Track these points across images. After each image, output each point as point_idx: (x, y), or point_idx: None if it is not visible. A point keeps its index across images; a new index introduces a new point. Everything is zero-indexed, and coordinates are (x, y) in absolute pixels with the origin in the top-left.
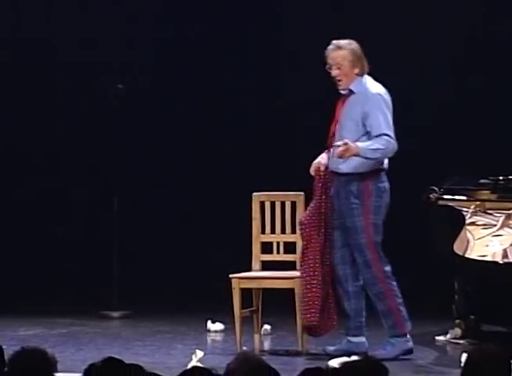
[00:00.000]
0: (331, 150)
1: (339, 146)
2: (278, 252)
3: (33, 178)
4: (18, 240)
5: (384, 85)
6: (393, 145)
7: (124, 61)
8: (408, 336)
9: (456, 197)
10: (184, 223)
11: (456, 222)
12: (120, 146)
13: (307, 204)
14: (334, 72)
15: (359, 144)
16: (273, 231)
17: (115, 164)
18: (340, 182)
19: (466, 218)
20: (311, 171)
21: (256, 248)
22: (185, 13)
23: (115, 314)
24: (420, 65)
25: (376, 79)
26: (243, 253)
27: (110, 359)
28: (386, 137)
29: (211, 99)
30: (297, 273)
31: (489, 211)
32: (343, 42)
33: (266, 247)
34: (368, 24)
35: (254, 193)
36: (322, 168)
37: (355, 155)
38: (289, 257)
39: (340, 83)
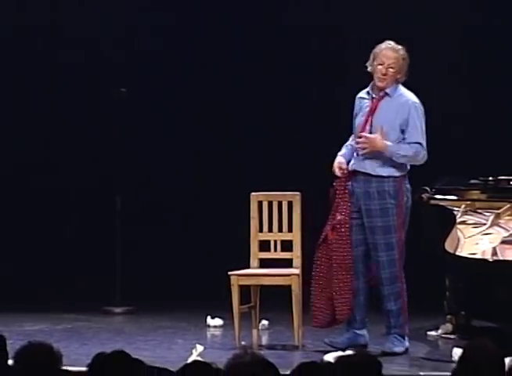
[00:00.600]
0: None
1: (360, 142)
2: (275, 250)
3: (37, 178)
4: (25, 240)
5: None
6: (423, 155)
7: (126, 64)
8: (407, 337)
9: (447, 197)
10: (185, 222)
11: (447, 221)
12: (123, 146)
13: (303, 204)
14: (385, 70)
15: (389, 144)
16: (271, 230)
17: (117, 164)
18: (372, 183)
19: (457, 217)
20: (337, 171)
21: (254, 246)
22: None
23: (118, 310)
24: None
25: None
26: (241, 251)
27: (119, 352)
28: (418, 146)
29: (211, 100)
30: (294, 271)
31: (479, 211)
32: (399, 46)
33: (264, 246)
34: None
35: (253, 193)
36: (344, 167)
37: (382, 150)
38: (286, 255)
39: (384, 82)
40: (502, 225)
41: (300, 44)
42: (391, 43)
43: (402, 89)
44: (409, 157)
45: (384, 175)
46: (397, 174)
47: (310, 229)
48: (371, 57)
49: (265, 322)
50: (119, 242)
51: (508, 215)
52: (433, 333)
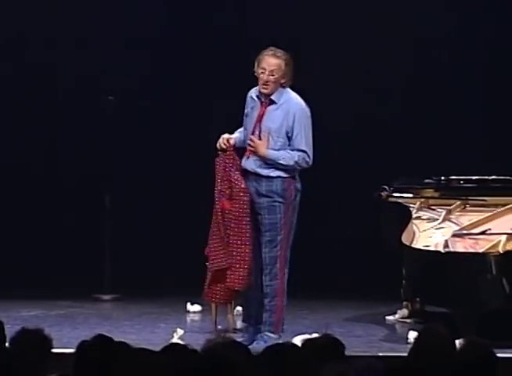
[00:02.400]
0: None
1: (249, 144)
2: None
3: (35, 176)
4: (22, 234)
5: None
6: (306, 161)
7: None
8: (280, 335)
9: (404, 195)
10: (167, 219)
11: (404, 217)
12: (114, 148)
13: None
14: (266, 77)
15: (270, 152)
16: None
17: (108, 163)
18: (262, 182)
19: (413, 213)
20: (222, 142)
21: None
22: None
23: (106, 297)
24: (372, 71)
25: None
26: None
27: (100, 336)
28: (302, 153)
29: (198, 99)
30: None
31: (433, 207)
32: (280, 51)
33: None
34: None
35: None
36: (232, 142)
37: (263, 157)
38: None
39: (267, 88)
40: (453, 220)
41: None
42: (274, 49)
43: (289, 94)
44: (291, 165)
45: (273, 175)
46: (285, 175)
47: None
48: (256, 63)
49: (239, 308)
50: (108, 236)
51: (458, 211)
52: (391, 317)
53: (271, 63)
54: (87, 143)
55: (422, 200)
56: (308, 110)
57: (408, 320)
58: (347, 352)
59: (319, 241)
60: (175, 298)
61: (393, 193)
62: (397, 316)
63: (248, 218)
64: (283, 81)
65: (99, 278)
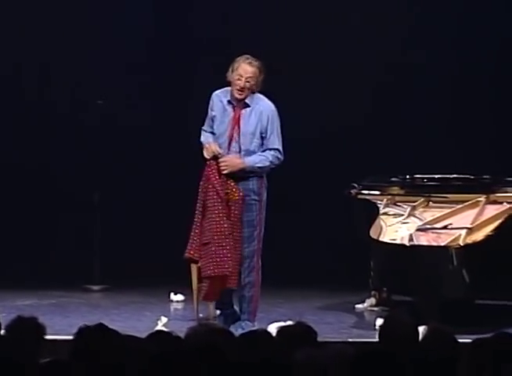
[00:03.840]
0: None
1: (221, 165)
2: None
3: (28, 174)
4: (18, 229)
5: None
6: (279, 158)
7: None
8: (255, 323)
9: (372, 192)
10: (155, 212)
11: (372, 213)
12: (102, 149)
13: None
14: (243, 84)
15: (246, 161)
16: None
17: (96, 163)
18: (238, 181)
19: (380, 209)
20: (214, 150)
21: None
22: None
23: (96, 287)
24: (340, 73)
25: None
26: None
27: (101, 324)
28: (275, 151)
29: (176, 101)
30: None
31: (398, 204)
32: (255, 59)
33: None
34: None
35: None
36: (221, 151)
37: (241, 169)
38: None
39: (242, 94)
40: (418, 216)
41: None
42: (249, 57)
43: (259, 97)
44: (267, 166)
45: (250, 175)
46: (259, 174)
47: None
48: (230, 69)
49: None
50: (98, 230)
51: (422, 207)
52: (360, 306)
53: (247, 70)
54: (77, 145)
55: (388, 197)
56: (277, 112)
57: (376, 308)
58: (319, 339)
59: (294, 236)
60: (160, 288)
61: (362, 190)
62: (365, 304)
63: (242, 220)
64: (254, 88)
65: (88, 270)
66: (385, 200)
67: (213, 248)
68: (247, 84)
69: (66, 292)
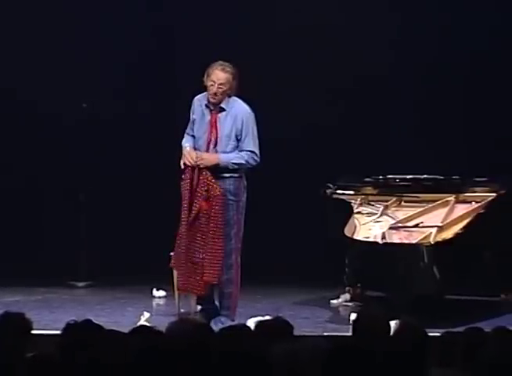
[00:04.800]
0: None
1: (197, 161)
2: None
3: (16, 174)
4: (5, 227)
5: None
6: (255, 160)
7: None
8: (235, 319)
9: (346, 192)
10: (138, 212)
11: (346, 211)
12: (88, 150)
13: None
14: (215, 89)
15: (220, 156)
16: None
17: (83, 161)
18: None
19: (354, 208)
20: (192, 160)
21: None
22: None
23: (81, 284)
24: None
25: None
26: None
27: (88, 320)
28: (250, 153)
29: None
30: None
31: (372, 203)
32: (228, 65)
33: None
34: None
35: None
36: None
37: (217, 163)
38: None
39: (216, 99)
40: (390, 215)
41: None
42: (223, 63)
43: (235, 101)
44: (241, 164)
45: (226, 175)
46: (236, 174)
47: None
48: (205, 74)
49: None
50: (83, 229)
51: (394, 207)
52: (335, 301)
53: (220, 77)
54: (64, 147)
55: (362, 196)
56: (253, 115)
57: (350, 304)
58: (295, 332)
59: (272, 234)
60: (142, 284)
61: (336, 190)
62: (340, 300)
63: (223, 216)
64: (229, 92)
65: (73, 267)
66: (359, 199)
67: (182, 240)
68: (220, 89)
69: (52, 288)
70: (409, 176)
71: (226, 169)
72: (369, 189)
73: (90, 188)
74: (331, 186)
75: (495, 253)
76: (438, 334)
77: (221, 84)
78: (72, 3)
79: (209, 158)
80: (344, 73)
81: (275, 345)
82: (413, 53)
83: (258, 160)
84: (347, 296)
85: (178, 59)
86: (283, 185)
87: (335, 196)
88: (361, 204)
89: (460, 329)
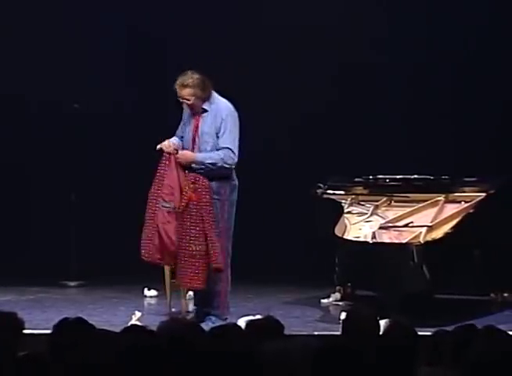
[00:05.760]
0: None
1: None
2: None
3: (7, 174)
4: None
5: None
6: (231, 157)
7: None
8: (226, 318)
9: (337, 192)
10: (129, 211)
11: (337, 211)
12: (79, 151)
13: None
14: (186, 103)
15: (196, 155)
16: None
17: (73, 161)
18: (199, 181)
19: (345, 208)
20: (170, 147)
21: None
22: None
23: (73, 283)
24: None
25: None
26: None
27: (79, 318)
28: (227, 150)
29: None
30: None
31: (362, 203)
32: (188, 80)
33: None
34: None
35: None
36: (178, 147)
37: (192, 162)
38: None
39: (193, 108)
40: (380, 215)
41: None
42: (181, 78)
43: (216, 99)
44: (218, 163)
45: (209, 176)
46: (219, 175)
47: None
48: None
49: (191, 293)
50: (74, 229)
51: (385, 206)
52: (325, 300)
53: (183, 93)
54: (55, 147)
55: (352, 196)
56: (235, 113)
57: (340, 303)
58: (286, 332)
59: (263, 234)
60: (134, 284)
61: (327, 190)
62: (330, 299)
63: (211, 208)
64: (203, 96)
65: (65, 266)
66: (349, 199)
67: (185, 259)
68: (189, 101)
69: (44, 288)
70: (399, 176)
71: (208, 170)
72: (359, 189)
73: (81, 188)
74: (322, 185)
75: (484, 252)
76: (427, 333)
77: (186, 98)
78: (57, 5)
79: (185, 155)
80: (333, 73)
81: (266, 344)
82: (403, 53)
83: (236, 158)
84: (337, 295)
85: (170, 59)
86: (273, 185)
87: (325, 196)
88: (351, 204)
89: (450, 328)
